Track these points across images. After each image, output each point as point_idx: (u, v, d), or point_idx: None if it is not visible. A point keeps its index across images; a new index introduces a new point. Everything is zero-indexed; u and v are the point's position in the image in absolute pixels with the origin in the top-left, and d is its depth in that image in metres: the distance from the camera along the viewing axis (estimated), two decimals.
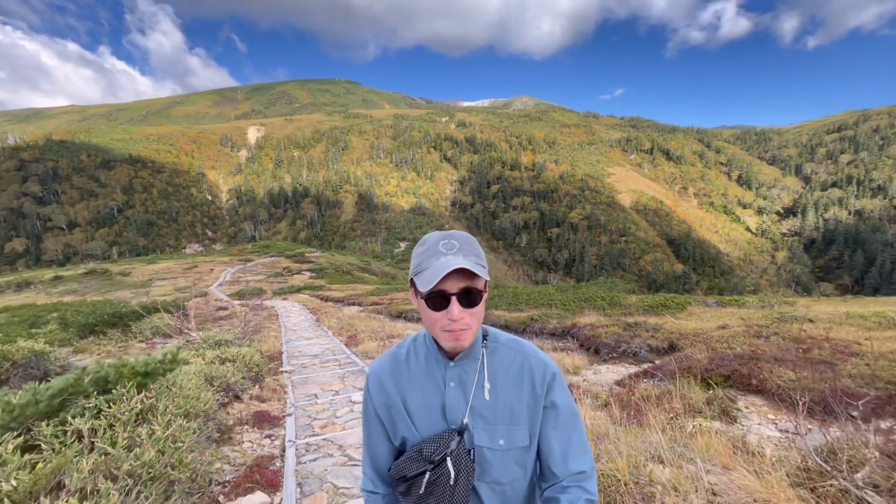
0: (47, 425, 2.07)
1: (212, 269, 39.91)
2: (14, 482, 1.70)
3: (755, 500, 1.87)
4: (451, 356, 1.02)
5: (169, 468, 2.07)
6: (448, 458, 0.95)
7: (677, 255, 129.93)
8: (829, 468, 1.94)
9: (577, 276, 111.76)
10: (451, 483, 0.95)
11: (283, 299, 18.59)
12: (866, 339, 3.41)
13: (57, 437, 2.06)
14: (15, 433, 2.00)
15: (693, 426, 2.59)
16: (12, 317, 9.24)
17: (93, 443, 2.11)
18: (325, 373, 6.20)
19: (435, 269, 0.90)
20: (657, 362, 3.89)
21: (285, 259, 50.09)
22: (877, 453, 1.92)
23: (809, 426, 2.78)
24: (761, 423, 3.01)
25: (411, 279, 0.97)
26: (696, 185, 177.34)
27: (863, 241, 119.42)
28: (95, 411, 2.26)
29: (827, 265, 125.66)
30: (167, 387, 2.68)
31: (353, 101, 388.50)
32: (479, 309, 0.96)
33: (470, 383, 1.00)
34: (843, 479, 1.87)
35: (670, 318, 6.59)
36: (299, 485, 3.01)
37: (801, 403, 2.28)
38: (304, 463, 3.35)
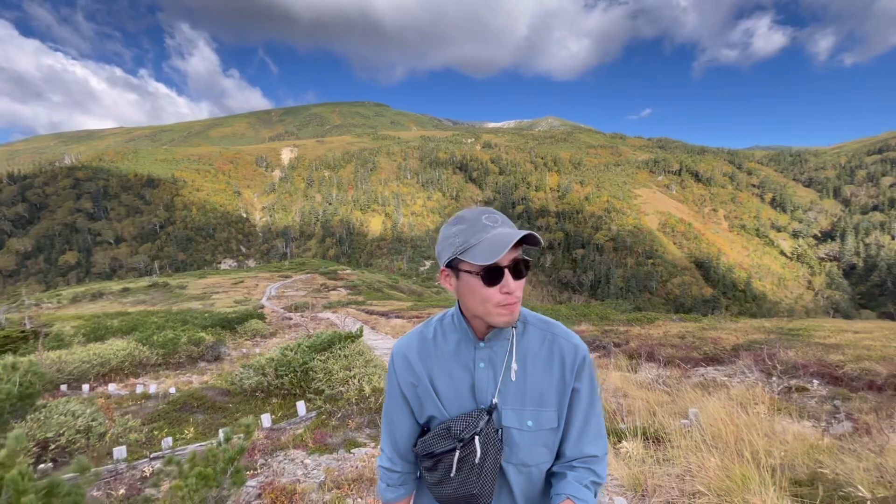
0: (324, 351, 4.30)
1: (256, 285, 43.07)
2: (338, 366, 4.06)
3: (617, 387, 4.15)
4: (480, 336, 1.02)
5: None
6: (476, 437, 0.95)
7: (706, 279, 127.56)
8: (655, 382, 4.18)
9: (603, 298, 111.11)
10: (478, 462, 0.95)
11: (334, 312, 20.94)
12: (738, 339, 5.56)
13: (332, 354, 4.42)
14: (319, 353, 4.36)
15: (616, 373, 4.99)
16: (140, 320, 11.71)
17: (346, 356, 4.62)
18: None
19: (493, 241, 0.90)
20: (614, 349, 6.08)
21: (320, 276, 53.10)
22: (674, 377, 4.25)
23: (661, 371, 5.12)
24: (648, 371, 5.45)
25: (451, 259, 0.96)
26: (726, 208, 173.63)
27: None
28: (340, 352, 4.42)
29: (868, 292, 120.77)
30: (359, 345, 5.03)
31: (382, 122, 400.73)
32: (524, 281, 0.97)
33: (500, 364, 1.00)
34: (658, 383, 4.10)
35: (638, 328, 8.62)
36: None
37: (663, 363, 4.35)
38: None
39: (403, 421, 1.10)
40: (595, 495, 1.00)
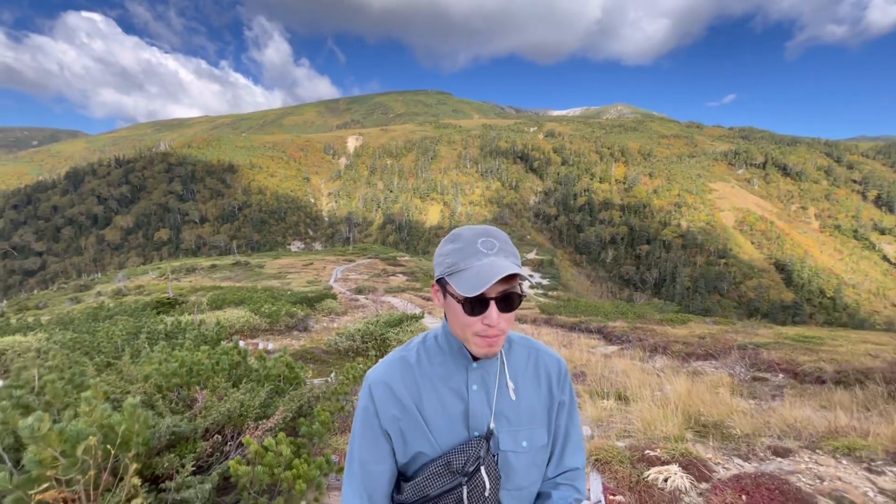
0: (395, 327, 5.63)
1: (324, 267, 46.76)
2: (407, 337, 6.05)
3: (623, 369, 4.89)
4: (475, 357, 0.94)
5: None
6: (482, 468, 0.87)
7: (788, 283, 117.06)
8: (655, 368, 4.99)
9: (667, 298, 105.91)
10: (487, 494, 0.88)
11: (394, 296, 22.85)
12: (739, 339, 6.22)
13: (402, 329, 5.73)
14: (392, 327, 5.67)
15: (630, 363, 5.69)
16: (234, 294, 14.14)
17: (412, 331, 5.84)
18: None
19: (480, 271, 0.82)
20: (635, 343, 6.96)
21: (381, 261, 56.16)
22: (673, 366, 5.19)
23: (667, 361, 5.88)
24: (657, 361, 6.18)
25: (439, 279, 0.91)
26: (818, 205, 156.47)
27: None
28: (407, 328, 5.76)
29: None
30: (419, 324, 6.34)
31: (444, 111, 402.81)
32: (514, 314, 0.90)
33: (491, 385, 0.94)
34: (658, 369, 4.99)
35: (668, 327, 9.25)
36: None
37: (675, 356, 5.20)
38: None
39: (384, 466, 0.95)
40: None
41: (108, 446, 1.35)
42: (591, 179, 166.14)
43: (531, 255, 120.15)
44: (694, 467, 2.31)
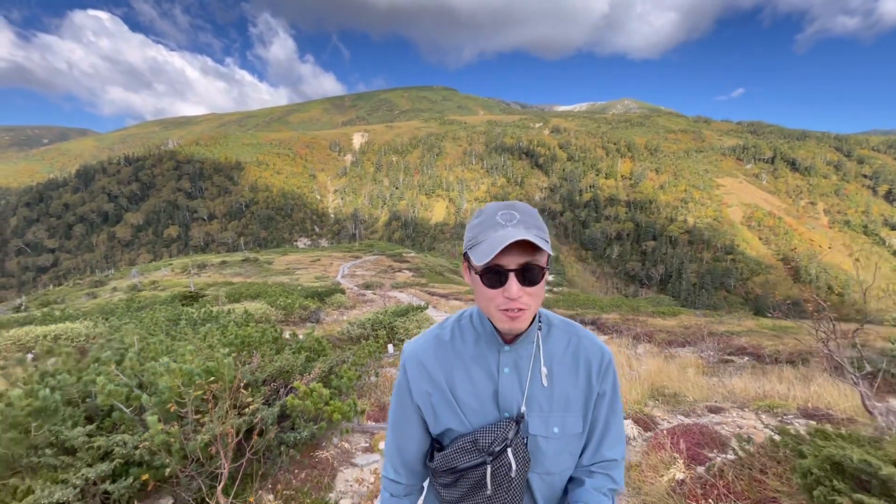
0: (402, 317, 6.24)
1: (331, 263, 47.55)
2: (412, 325, 6.45)
3: None
4: (506, 339, 0.93)
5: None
6: (508, 449, 0.88)
7: (796, 279, 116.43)
8: (637, 353, 5.52)
9: (673, 294, 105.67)
10: (513, 475, 0.88)
11: (400, 291, 23.48)
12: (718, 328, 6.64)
13: (408, 318, 6.33)
14: (399, 317, 6.29)
15: (615, 349, 6.19)
16: (248, 288, 14.80)
17: (417, 320, 6.45)
18: None
19: (492, 241, 0.81)
20: (624, 333, 7.43)
21: (387, 258, 56.80)
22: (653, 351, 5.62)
23: (651, 347, 6.31)
24: (641, 348, 6.64)
25: (465, 253, 0.90)
26: (827, 201, 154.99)
27: None
28: (413, 318, 6.37)
29: None
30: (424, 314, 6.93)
31: (450, 107, 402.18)
32: (539, 288, 0.85)
33: (525, 369, 0.93)
34: (639, 353, 5.47)
35: (658, 318, 9.75)
36: None
37: (658, 343, 5.72)
38: None
39: (413, 433, 1.02)
40: (613, 503, 0.97)
41: (209, 381, 1.96)
42: (597, 175, 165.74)
43: None
44: (644, 422, 2.84)
